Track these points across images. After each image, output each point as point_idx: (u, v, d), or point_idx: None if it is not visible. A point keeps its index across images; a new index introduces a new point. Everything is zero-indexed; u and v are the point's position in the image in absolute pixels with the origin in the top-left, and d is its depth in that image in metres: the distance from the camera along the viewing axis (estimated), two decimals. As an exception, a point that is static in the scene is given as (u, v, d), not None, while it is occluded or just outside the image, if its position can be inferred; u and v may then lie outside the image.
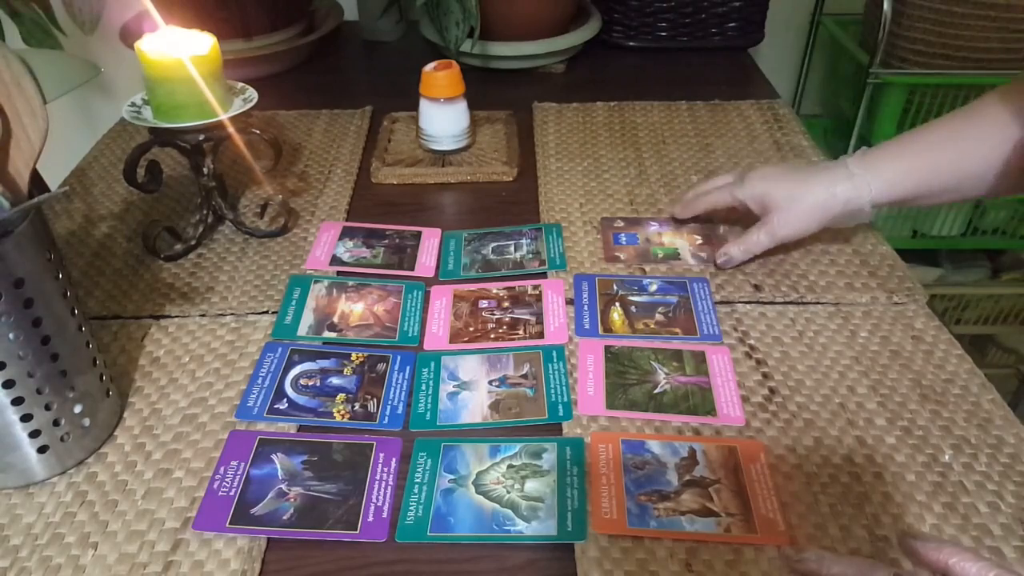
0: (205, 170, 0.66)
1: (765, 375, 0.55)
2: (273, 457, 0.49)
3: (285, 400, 0.53)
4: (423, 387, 0.55)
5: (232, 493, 0.47)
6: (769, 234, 0.62)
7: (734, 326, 0.60)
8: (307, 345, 0.58)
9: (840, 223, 0.63)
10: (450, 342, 0.59)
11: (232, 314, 0.61)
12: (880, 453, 0.49)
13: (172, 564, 0.43)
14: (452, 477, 0.48)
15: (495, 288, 0.64)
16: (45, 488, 0.48)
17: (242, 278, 0.65)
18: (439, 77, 0.77)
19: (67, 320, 0.46)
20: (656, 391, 0.54)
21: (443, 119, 0.80)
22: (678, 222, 0.71)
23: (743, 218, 0.67)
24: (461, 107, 0.80)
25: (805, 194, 0.61)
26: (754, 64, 1.07)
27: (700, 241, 0.69)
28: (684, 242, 0.69)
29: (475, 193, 0.78)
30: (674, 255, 0.67)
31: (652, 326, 0.60)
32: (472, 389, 0.55)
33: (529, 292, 0.63)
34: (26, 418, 0.45)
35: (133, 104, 0.63)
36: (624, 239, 0.69)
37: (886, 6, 1.08)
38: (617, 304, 0.62)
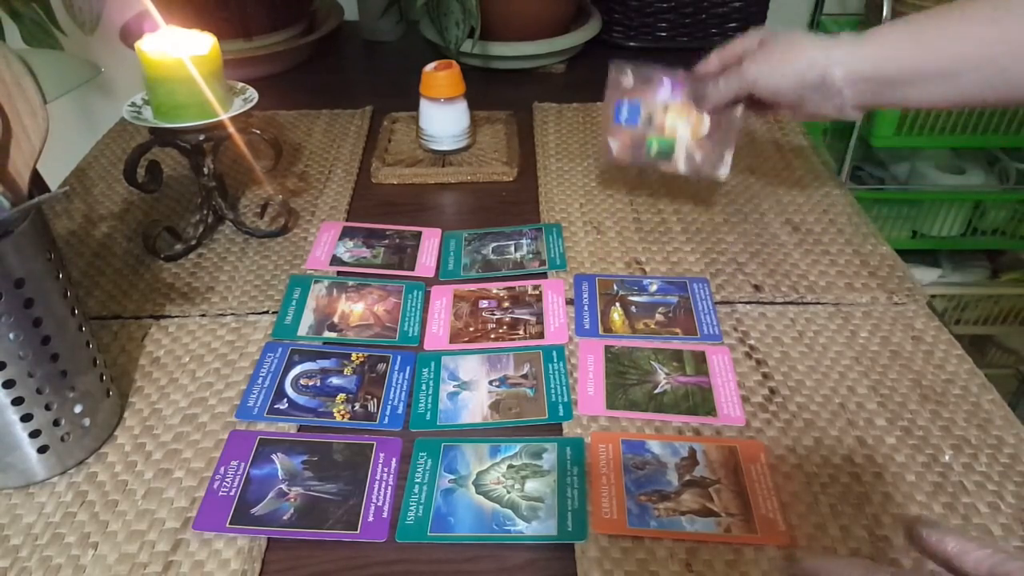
0: (205, 170, 0.66)
1: (765, 375, 0.55)
2: (273, 457, 0.49)
3: (285, 400, 0.53)
4: (423, 387, 0.55)
5: (232, 493, 0.47)
6: (749, 62, 0.58)
7: (734, 326, 0.60)
8: (307, 345, 0.58)
9: (816, 97, 0.56)
10: (450, 342, 0.59)
11: (232, 314, 0.61)
12: (880, 453, 0.49)
13: (172, 564, 0.43)
14: (452, 477, 0.48)
15: (495, 288, 0.64)
16: (45, 488, 0.48)
17: (242, 278, 0.65)
18: (439, 77, 0.77)
19: (67, 320, 0.46)
20: (656, 391, 0.54)
21: (443, 119, 0.80)
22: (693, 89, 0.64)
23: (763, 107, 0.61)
24: (461, 107, 0.80)
25: (790, 43, 0.56)
26: (754, 64, 1.07)
27: (706, 131, 0.64)
28: (688, 129, 0.64)
29: (475, 193, 0.78)
30: (669, 150, 0.64)
31: (652, 326, 0.60)
32: (472, 389, 0.55)
33: (529, 292, 0.63)
34: (26, 418, 0.45)
35: (133, 104, 0.63)
36: (626, 113, 0.65)
37: (886, 6, 1.08)
38: (617, 304, 0.62)
